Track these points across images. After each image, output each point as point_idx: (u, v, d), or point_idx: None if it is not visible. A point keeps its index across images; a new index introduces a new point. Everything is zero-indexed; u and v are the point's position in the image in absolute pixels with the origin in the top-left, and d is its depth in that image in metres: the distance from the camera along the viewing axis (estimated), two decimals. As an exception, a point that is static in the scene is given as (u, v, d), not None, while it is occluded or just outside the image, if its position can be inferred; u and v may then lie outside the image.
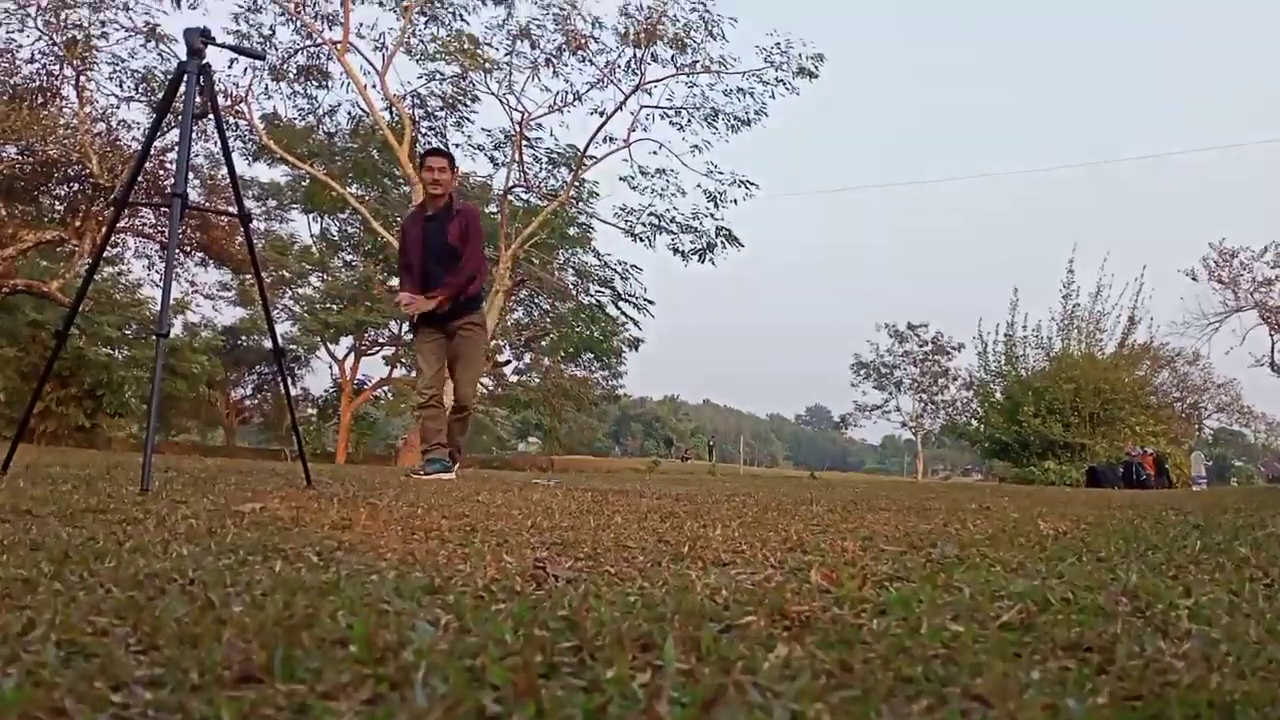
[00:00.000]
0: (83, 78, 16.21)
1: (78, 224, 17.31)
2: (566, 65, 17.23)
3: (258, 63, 16.88)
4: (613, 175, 55.15)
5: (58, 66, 16.06)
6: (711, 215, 18.52)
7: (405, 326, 28.77)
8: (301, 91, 18.20)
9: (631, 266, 22.64)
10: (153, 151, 13.28)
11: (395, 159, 17.81)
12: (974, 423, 25.26)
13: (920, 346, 40.05)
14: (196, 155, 17.21)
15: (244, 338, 31.87)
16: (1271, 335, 28.45)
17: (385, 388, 33.52)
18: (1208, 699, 0.80)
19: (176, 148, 3.21)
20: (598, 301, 24.33)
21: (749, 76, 17.01)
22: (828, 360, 61.18)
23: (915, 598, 1.27)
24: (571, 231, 22.56)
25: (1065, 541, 2.21)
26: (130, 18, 15.68)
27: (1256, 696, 0.81)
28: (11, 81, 15.75)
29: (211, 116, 3.38)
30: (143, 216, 18.54)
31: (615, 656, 0.89)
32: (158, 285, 21.18)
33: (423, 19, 17.32)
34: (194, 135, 3.33)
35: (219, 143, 3.66)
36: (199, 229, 18.78)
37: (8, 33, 15.29)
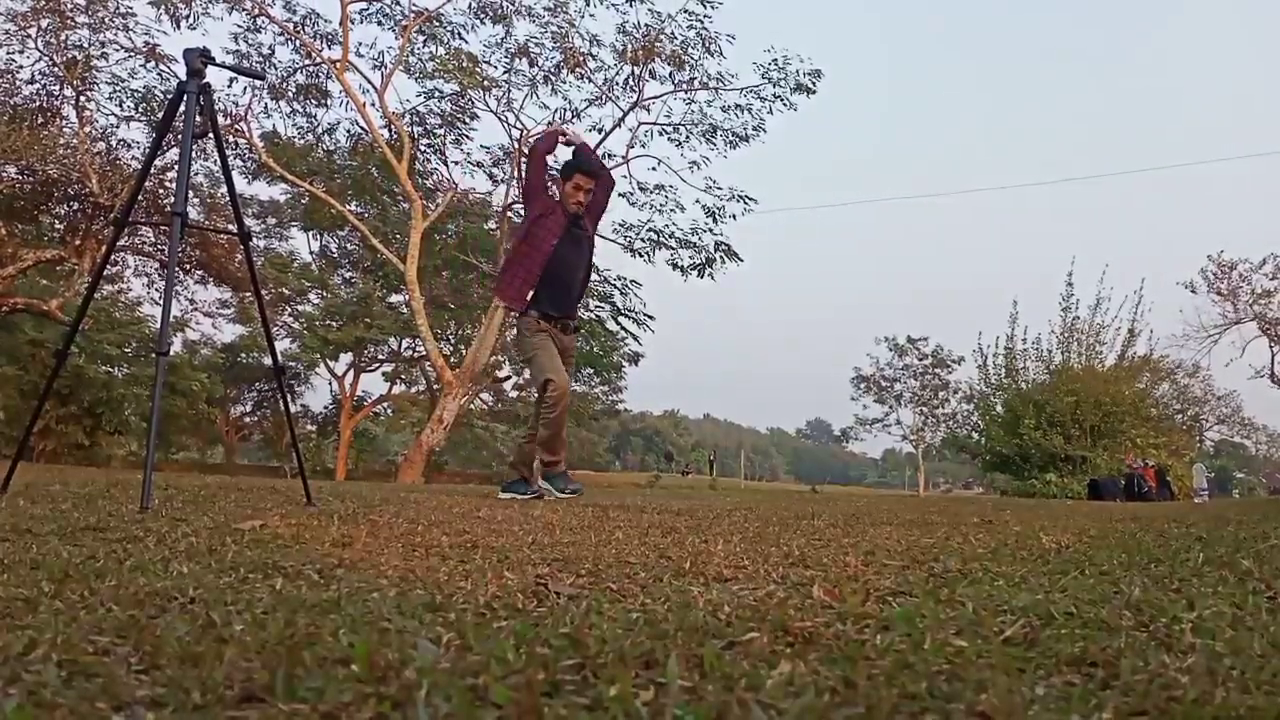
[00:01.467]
0: (83, 98, 16.29)
1: (77, 243, 17.34)
2: (565, 83, 17.32)
3: (257, 82, 16.97)
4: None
5: (58, 87, 16.14)
6: (710, 230, 18.58)
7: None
8: (301, 110, 18.31)
9: (631, 282, 22.69)
10: (152, 170, 13.32)
11: (394, 176, 17.87)
12: (975, 436, 25.23)
13: (920, 360, 40.11)
14: (196, 174, 17.28)
15: (243, 355, 31.87)
16: (1271, 347, 28.56)
17: (385, 404, 33.51)
18: (1213, 714, 0.80)
19: (176, 167, 3.22)
20: (597, 317, 24.35)
21: (747, 93, 17.10)
22: (828, 374, 61.21)
23: (918, 613, 1.27)
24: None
25: (1067, 555, 2.20)
26: (130, 38, 15.79)
27: (1262, 711, 0.80)
28: (12, 102, 15.83)
29: (211, 135, 3.40)
30: (142, 235, 18.59)
31: (618, 674, 0.88)
32: (157, 303, 21.24)
33: (421, 38, 17.43)
34: (194, 154, 3.34)
35: (219, 161, 3.68)
36: (199, 247, 18.82)
37: (8, 54, 15.39)
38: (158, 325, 3.21)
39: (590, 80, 17.15)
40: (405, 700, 0.79)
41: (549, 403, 4.95)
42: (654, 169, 18.14)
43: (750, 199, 18.12)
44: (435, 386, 24.06)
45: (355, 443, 31.82)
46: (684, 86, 17.06)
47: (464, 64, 16.75)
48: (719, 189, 17.95)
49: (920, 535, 2.80)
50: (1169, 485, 18.53)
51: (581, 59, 16.67)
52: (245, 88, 17.12)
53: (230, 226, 3.93)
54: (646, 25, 16.26)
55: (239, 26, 16.59)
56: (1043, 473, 20.60)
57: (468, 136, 18.96)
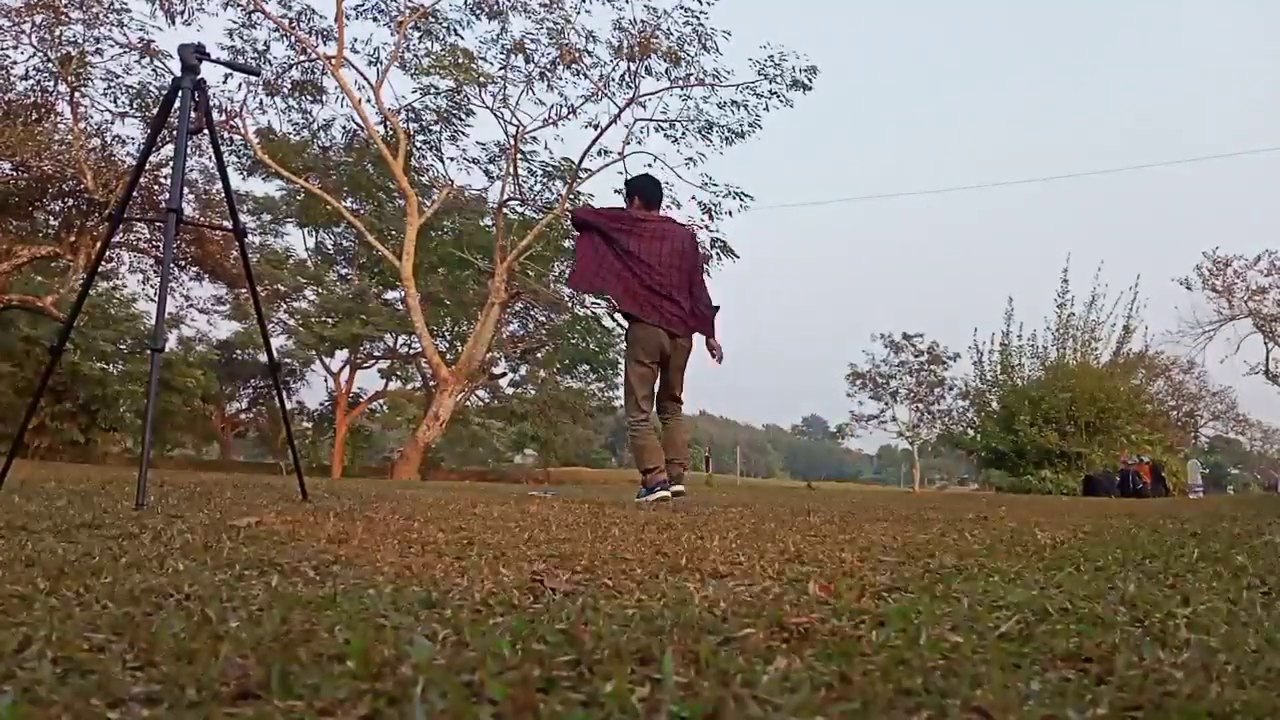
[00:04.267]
0: (77, 94, 16.22)
1: (72, 239, 17.29)
2: (561, 79, 17.30)
3: (252, 78, 16.91)
4: (608, 187, 55.29)
5: (52, 83, 16.07)
6: (706, 227, 18.56)
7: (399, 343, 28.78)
8: (296, 106, 18.25)
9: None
10: (147, 167, 13.29)
11: (390, 173, 17.83)
12: (970, 432, 25.23)
13: (916, 356, 40.02)
14: (191, 170, 17.22)
15: (239, 352, 31.81)
16: (1266, 343, 28.60)
17: (381, 401, 33.46)
18: (1207, 709, 0.80)
19: (171, 163, 3.21)
20: (593, 313, 24.34)
21: (743, 89, 17.08)
22: (824, 371, 61.14)
23: (914, 609, 1.27)
24: (567, 244, 22.58)
25: (1063, 551, 2.21)
26: (125, 34, 15.72)
27: (1256, 705, 0.81)
28: (6, 98, 15.76)
29: (206, 131, 3.38)
30: (137, 231, 18.53)
31: (614, 670, 0.88)
32: (152, 300, 21.13)
33: (417, 34, 17.39)
34: (189, 150, 3.33)
35: (214, 157, 3.67)
36: (194, 243, 18.77)
37: (1, 49, 15.31)
38: (153, 322, 3.20)
39: (586, 76, 17.14)
40: (401, 696, 0.79)
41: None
42: (649, 165, 18.04)
43: (747, 195, 18.13)
44: (431, 383, 24.03)
45: (351, 440, 31.76)
46: (680, 83, 17.04)
47: (460, 60, 16.71)
48: (715, 185, 17.95)
49: (916, 531, 2.81)
50: (1164, 481, 18.54)
51: (577, 55, 16.65)
52: (240, 84, 17.07)
53: (226, 223, 3.92)
54: (643, 21, 16.24)
55: (234, 22, 16.55)
56: (1038, 469, 20.61)
57: (463, 133, 18.95)
